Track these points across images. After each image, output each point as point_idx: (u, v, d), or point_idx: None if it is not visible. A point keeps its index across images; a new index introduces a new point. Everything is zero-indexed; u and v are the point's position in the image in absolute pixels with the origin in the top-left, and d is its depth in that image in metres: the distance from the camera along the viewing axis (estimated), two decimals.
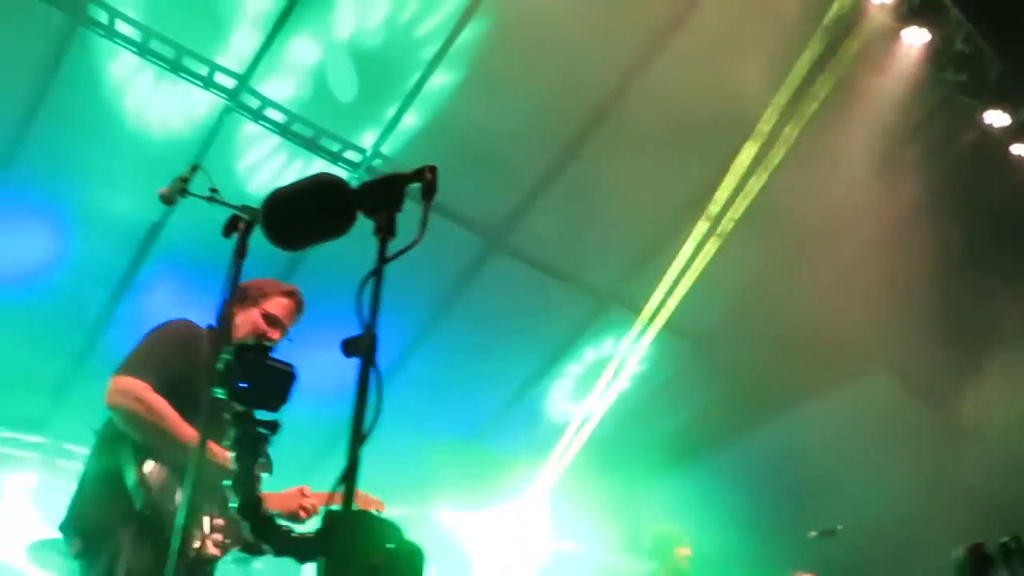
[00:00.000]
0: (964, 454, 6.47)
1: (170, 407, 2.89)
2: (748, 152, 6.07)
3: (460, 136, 5.91)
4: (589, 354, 7.60)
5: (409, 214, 1.77)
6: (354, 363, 1.57)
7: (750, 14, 5.71)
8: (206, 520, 2.90)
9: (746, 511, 6.79)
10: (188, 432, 2.85)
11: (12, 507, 5.76)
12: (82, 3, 4.92)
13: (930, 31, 6.05)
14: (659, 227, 6.93)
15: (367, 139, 5.96)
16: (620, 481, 7.97)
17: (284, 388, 1.76)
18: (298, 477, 3.27)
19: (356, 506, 1.46)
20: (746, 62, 5.71)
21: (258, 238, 2.28)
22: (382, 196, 1.75)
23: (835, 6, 5.78)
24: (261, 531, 1.66)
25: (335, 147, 5.95)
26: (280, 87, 5.60)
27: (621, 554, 7.08)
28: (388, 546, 1.47)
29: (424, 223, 1.67)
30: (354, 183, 5.92)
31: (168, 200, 2.94)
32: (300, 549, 1.60)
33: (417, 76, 5.74)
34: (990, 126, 6.49)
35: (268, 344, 1.68)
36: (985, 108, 6.44)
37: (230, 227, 2.48)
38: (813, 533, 5.34)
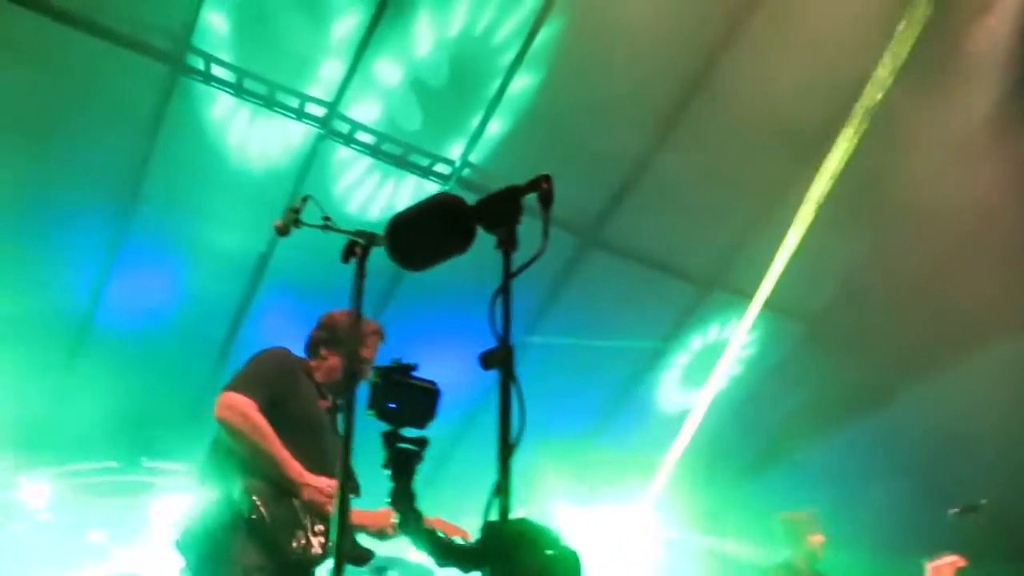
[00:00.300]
0: None
1: (269, 427, 3.12)
2: (850, 124, 5.83)
3: (545, 137, 5.94)
4: (696, 342, 7.49)
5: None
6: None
7: None
8: (308, 522, 3.09)
9: (877, 491, 6.53)
10: (283, 453, 3.09)
11: (159, 533, 6.11)
12: (181, 53, 5.20)
13: None
14: (755, 208, 6.75)
15: (455, 150, 6.05)
16: (738, 467, 7.82)
17: (430, 406, 1.83)
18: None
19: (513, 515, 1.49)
20: (842, 35, 5.51)
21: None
22: (500, 210, 1.78)
23: None
24: (424, 544, 1.73)
25: (424, 162, 6.07)
26: (367, 110, 5.76)
27: (746, 544, 6.93)
28: (548, 552, 1.51)
29: (546, 233, 1.69)
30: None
31: (283, 231, 3.07)
32: (463, 559, 1.65)
33: (498, 82, 5.79)
34: None
35: (408, 364, 1.75)
36: None
37: (348, 252, 2.56)
38: (954, 510, 5.06)
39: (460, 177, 6.12)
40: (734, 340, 7.08)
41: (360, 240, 2.58)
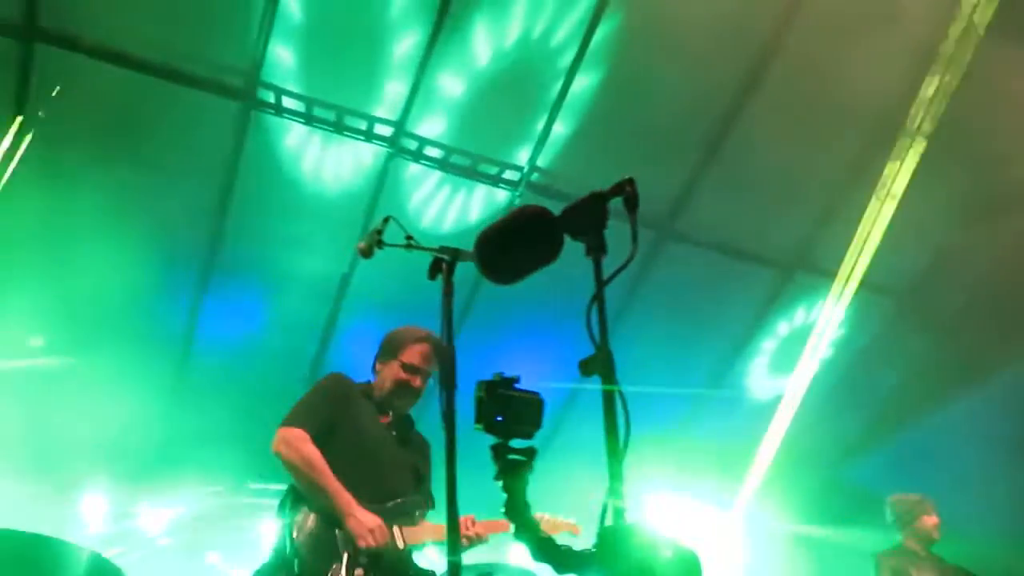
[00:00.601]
0: None
1: (320, 457, 3.20)
2: (928, 86, 5.61)
3: (610, 134, 5.91)
4: (782, 327, 7.32)
5: None
6: None
7: None
8: (347, 554, 3.11)
9: (987, 469, 6.24)
10: (333, 484, 3.16)
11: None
12: (252, 89, 5.39)
13: None
14: (833, 187, 6.57)
15: (522, 156, 6.09)
16: (835, 451, 7.59)
17: (536, 415, 1.85)
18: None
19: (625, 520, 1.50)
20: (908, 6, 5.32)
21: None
22: (586, 216, 1.79)
23: None
24: (541, 553, 1.76)
25: (493, 170, 6.13)
26: (433, 124, 5.85)
27: (852, 530, 6.73)
28: (665, 555, 1.51)
29: (635, 237, 1.70)
30: (516, 201, 6.15)
31: (366, 253, 3.13)
32: (581, 565, 1.67)
33: (559, 84, 5.80)
34: None
35: (511, 376, 1.76)
36: None
37: (435, 269, 2.60)
38: None
39: (529, 182, 6.15)
40: (823, 321, 6.88)
41: (445, 256, 2.61)
